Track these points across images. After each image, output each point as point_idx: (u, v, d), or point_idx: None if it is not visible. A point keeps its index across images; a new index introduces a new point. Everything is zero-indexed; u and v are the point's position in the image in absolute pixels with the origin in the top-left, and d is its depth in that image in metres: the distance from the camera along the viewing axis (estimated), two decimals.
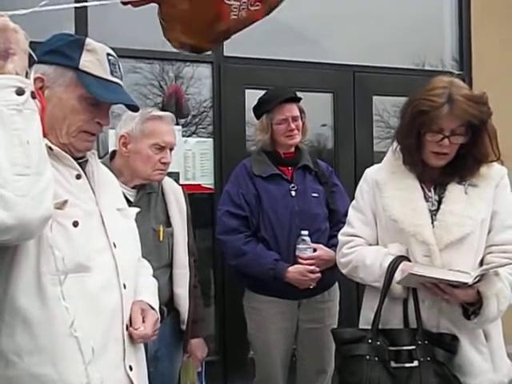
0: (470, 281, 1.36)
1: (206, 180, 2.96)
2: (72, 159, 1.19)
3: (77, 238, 1.12)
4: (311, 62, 3.18)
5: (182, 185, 2.17)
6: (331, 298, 2.24)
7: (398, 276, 1.49)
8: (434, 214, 1.54)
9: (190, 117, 3.02)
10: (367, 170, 1.71)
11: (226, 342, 2.95)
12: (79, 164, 1.21)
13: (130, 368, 1.18)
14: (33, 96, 1.00)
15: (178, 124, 2.77)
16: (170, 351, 1.87)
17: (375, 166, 1.71)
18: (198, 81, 3.00)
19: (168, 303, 1.81)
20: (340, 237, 1.70)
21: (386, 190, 1.59)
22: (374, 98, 3.28)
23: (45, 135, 1.05)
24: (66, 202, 1.12)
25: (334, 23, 3.28)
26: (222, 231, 2.15)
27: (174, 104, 2.95)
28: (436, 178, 1.58)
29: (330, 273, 2.11)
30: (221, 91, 2.97)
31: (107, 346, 1.14)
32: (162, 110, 2.42)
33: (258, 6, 1.22)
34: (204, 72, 3.00)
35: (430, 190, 1.58)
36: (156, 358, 1.76)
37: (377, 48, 3.33)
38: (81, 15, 2.69)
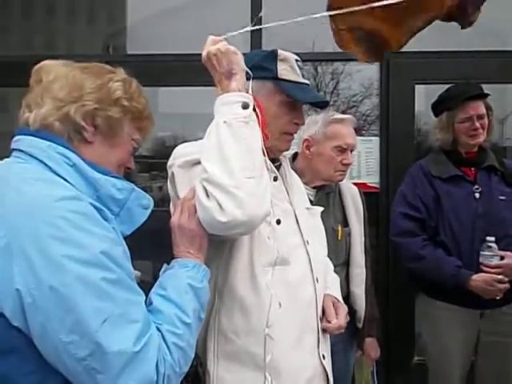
0: None
1: (372, 179, 2.94)
2: (271, 163, 1.30)
3: (280, 234, 1.23)
4: (489, 50, 2.90)
5: None
6: None
7: None
8: None
9: (356, 116, 3.02)
10: None
11: (388, 344, 2.89)
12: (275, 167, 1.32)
13: (323, 357, 1.27)
14: (253, 108, 1.13)
15: None
16: (345, 347, 1.92)
17: None
18: (366, 79, 2.99)
19: (345, 300, 1.86)
20: None
21: None
22: None
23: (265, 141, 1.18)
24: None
25: None
26: (396, 233, 2.11)
27: None
28: None
29: None
30: (389, 88, 2.90)
31: (304, 334, 1.24)
32: None
33: None
34: (372, 69, 2.97)
35: None
36: (332, 351, 1.82)
37: None
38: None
